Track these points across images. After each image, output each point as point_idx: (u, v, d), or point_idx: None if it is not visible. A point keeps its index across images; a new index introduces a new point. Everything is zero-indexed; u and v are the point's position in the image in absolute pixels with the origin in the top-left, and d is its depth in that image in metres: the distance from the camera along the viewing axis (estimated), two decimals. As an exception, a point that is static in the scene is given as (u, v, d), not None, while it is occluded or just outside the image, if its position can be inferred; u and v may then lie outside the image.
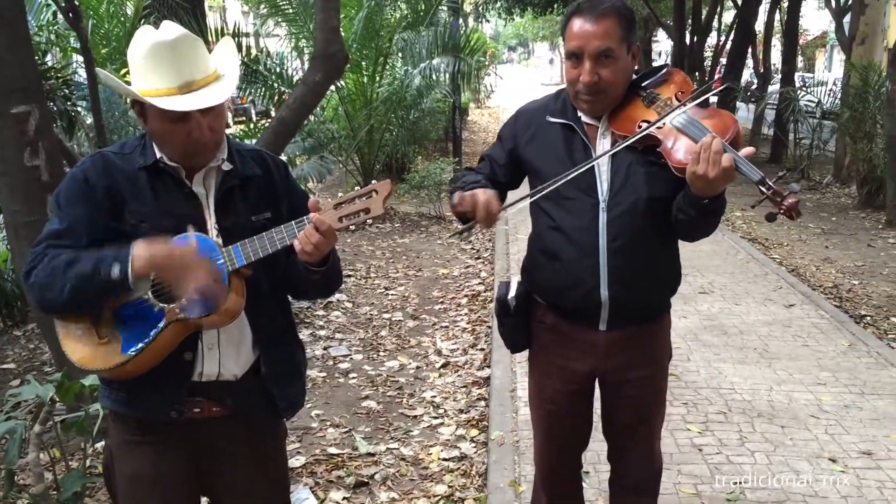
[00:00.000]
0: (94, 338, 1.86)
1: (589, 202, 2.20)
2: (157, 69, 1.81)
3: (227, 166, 1.96)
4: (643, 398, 2.41)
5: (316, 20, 5.32)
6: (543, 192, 2.19)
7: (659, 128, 2.09)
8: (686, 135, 2.05)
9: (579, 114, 2.25)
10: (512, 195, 2.38)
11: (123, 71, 6.40)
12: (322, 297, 2.46)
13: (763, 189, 1.93)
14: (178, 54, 1.81)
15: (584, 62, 2.11)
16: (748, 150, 1.98)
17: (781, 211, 1.92)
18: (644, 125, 2.12)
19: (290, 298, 2.17)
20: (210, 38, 8.14)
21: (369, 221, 2.19)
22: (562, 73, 46.53)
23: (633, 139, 2.11)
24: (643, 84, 2.24)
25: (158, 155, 1.91)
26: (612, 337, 2.31)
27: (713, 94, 2.17)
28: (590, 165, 2.15)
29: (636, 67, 2.29)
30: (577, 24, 2.12)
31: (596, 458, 3.42)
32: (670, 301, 2.44)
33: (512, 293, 2.42)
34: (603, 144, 2.22)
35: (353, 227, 1.91)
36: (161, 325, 1.82)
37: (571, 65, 2.17)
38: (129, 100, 2.10)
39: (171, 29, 1.84)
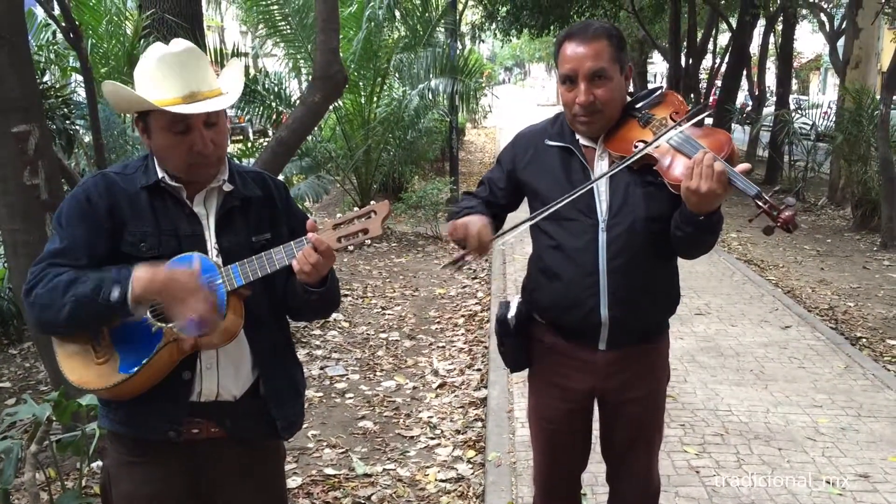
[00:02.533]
0: (92, 357, 1.86)
1: (588, 223, 2.22)
2: (163, 80, 1.85)
3: (227, 187, 1.97)
4: (642, 418, 2.42)
5: (317, 41, 5.35)
6: (536, 219, 2.22)
7: (655, 147, 2.12)
8: (682, 153, 2.09)
9: (577, 136, 2.28)
10: (511, 218, 2.40)
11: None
12: (320, 318, 2.46)
13: (759, 203, 1.96)
14: (184, 66, 1.85)
15: (579, 84, 2.16)
16: (744, 166, 2.00)
17: (778, 224, 1.95)
18: (640, 145, 2.15)
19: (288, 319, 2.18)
20: (210, 59, 8.18)
21: (367, 242, 2.20)
22: (557, 93, 46.91)
23: (631, 160, 2.14)
24: (637, 105, 2.28)
25: (160, 175, 1.92)
26: (612, 356, 2.32)
27: (707, 116, 2.20)
28: (588, 188, 2.18)
29: (630, 89, 2.32)
30: (570, 48, 2.17)
31: (593, 480, 3.42)
32: (668, 322, 2.46)
33: (512, 312, 2.44)
34: (601, 166, 2.24)
35: (351, 248, 1.92)
36: (159, 344, 1.82)
37: (566, 88, 2.21)
38: (132, 119, 2.12)
39: (179, 43, 1.88)
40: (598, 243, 2.22)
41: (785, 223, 1.93)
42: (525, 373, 2.57)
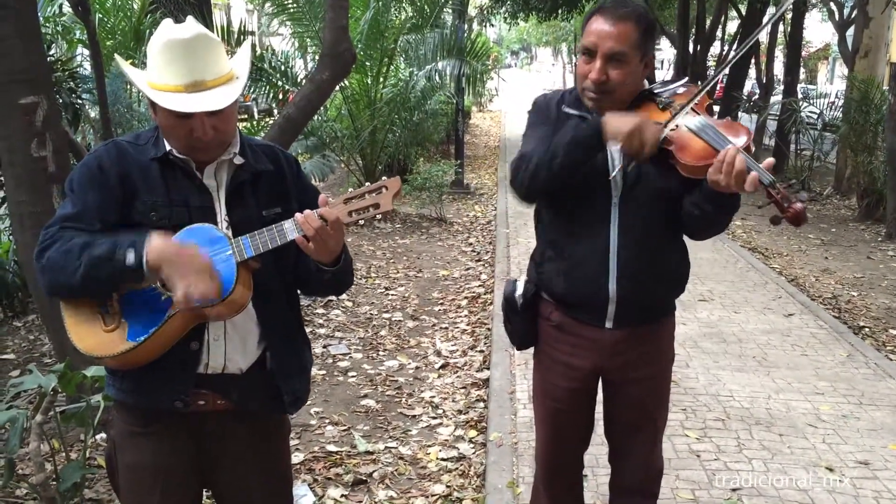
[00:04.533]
0: (101, 325, 1.86)
1: (603, 197, 2.22)
2: (168, 65, 1.83)
3: (238, 160, 1.97)
4: (646, 398, 2.43)
5: (326, 18, 5.33)
6: (703, 91, 2.19)
7: (672, 130, 2.11)
8: (701, 138, 2.08)
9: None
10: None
11: (129, 62, 6.40)
12: (333, 295, 2.46)
13: (772, 192, 1.97)
14: (190, 53, 1.82)
15: (596, 60, 2.14)
16: (769, 161, 2.01)
17: (787, 216, 1.97)
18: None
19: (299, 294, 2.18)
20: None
21: (378, 217, 2.22)
22: (563, 77, 46.63)
23: (673, 120, 2.12)
24: (658, 91, 2.27)
25: (168, 147, 1.92)
26: (618, 335, 2.33)
27: (713, 103, 2.21)
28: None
29: (646, 78, 2.31)
30: (597, 22, 2.15)
31: (594, 462, 3.43)
32: (675, 304, 2.46)
33: (519, 291, 2.44)
34: (611, 142, 2.23)
35: (361, 223, 1.92)
36: (168, 313, 1.83)
37: (584, 60, 2.19)
38: (140, 94, 2.12)
39: (189, 27, 1.85)
40: (610, 218, 2.23)
41: (794, 215, 1.95)
42: (527, 354, 2.57)
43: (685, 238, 2.39)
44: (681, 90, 2.26)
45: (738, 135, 2.08)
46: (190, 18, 1.90)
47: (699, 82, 2.39)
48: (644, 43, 2.16)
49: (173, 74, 1.82)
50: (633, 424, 2.47)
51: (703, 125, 2.10)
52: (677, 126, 2.12)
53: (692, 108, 2.18)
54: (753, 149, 2.14)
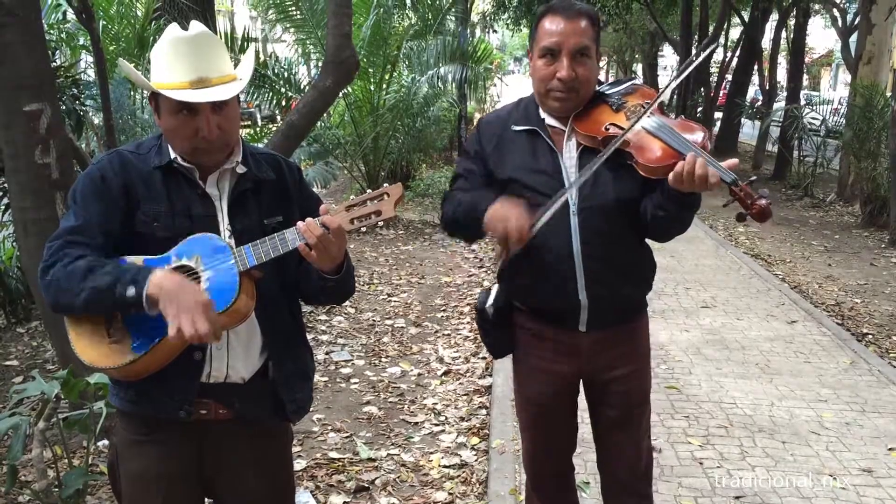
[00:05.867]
0: (105, 336, 1.86)
1: (561, 208, 2.21)
2: (173, 63, 1.84)
3: (241, 169, 1.97)
4: (628, 396, 2.44)
5: (328, 26, 5.34)
6: (569, 190, 2.20)
7: (629, 129, 2.14)
8: (659, 138, 2.11)
9: (542, 116, 2.30)
10: None
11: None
12: (335, 304, 2.47)
13: (735, 189, 2.00)
14: (194, 51, 1.84)
15: (562, 59, 2.17)
16: (732, 161, 2.05)
17: (752, 212, 2.00)
18: (612, 128, 2.17)
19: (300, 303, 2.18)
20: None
21: (380, 223, 2.22)
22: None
23: (618, 142, 2.13)
24: (608, 92, 2.30)
25: (173, 155, 1.93)
26: (594, 338, 2.34)
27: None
28: (592, 171, 2.17)
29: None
30: (555, 22, 2.19)
31: (596, 470, 3.41)
32: (647, 300, 2.48)
33: (490, 301, 2.45)
34: (569, 146, 2.26)
35: (363, 230, 1.91)
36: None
37: (546, 62, 2.21)
38: (145, 97, 2.13)
39: (194, 27, 1.87)
40: (570, 227, 2.23)
41: (759, 211, 1.98)
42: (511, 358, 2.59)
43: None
44: (630, 91, 2.29)
45: (694, 133, 2.11)
46: (194, 22, 1.91)
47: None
48: (597, 38, 2.22)
49: (178, 71, 1.83)
50: (618, 422, 2.47)
51: (659, 125, 2.13)
52: (636, 125, 2.14)
53: (643, 107, 2.20)
54: (710, 146, 2.16)
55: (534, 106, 2.34)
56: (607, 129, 2.17)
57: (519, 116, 2.35)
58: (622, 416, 2.46)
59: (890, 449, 3.97)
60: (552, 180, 2.22)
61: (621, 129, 2.15)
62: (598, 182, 2.22)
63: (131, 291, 1.76)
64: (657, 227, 2.24)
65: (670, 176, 2.01)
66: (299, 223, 1.85)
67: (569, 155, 2.25)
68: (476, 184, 2.40)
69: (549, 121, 2.29)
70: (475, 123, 2.49)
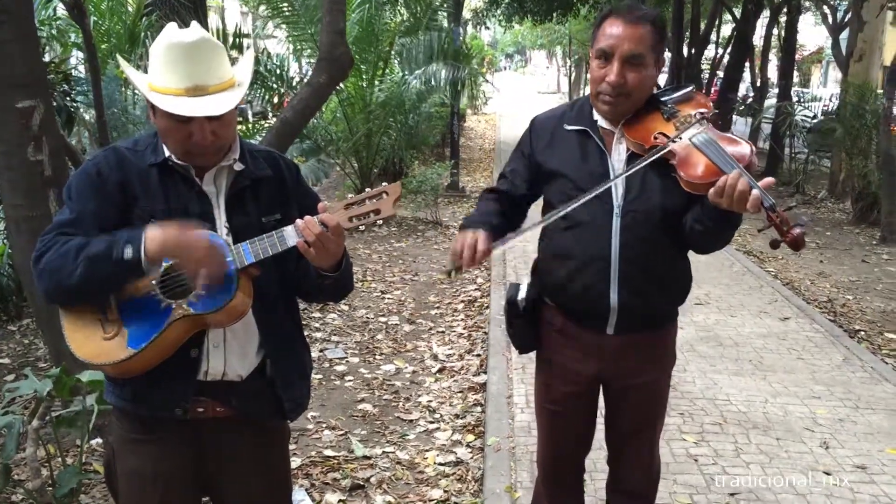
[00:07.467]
0: (100, 332, 1.85)
1: (603, 207, 2.21)
2: (170, 68, 1.82)
3: (238, 166, 1.96)
4: (646, 403, 2.43)
5: (322, 22, 5.32)
6: (544, 222, 2.23)
7: (674, 142, 2.10)
8: (704, 154, 2.05)
9: (595, 117, 2.27)
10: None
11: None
12: (333, 301, 2.45)
13: (772, 215, 1.94)
14: (192, 57, 1.81)
15: (613, 63, 2.13)
16: (768, 180, 1.98)
17: (786, 240, 1.95)
18: (661, 137, 2.13)
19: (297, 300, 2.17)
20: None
21: (379, 222, 2.21)
22: (558, 80, 46.69)
23: (658, 154, 2.10)
24: (664, 99, 2.26)
25: (168, 154, 1.91)
26: (619, 341, 2.32)
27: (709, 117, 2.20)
28: (606, 186, 2.16)
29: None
30: (613, 25, 2.15)
31: (592, 466, 3.42)
32: (678, 310, 2.46)
33: (522, 294, 2.44)
34: (619, 150, 2.23)
35: (362, 228, 1.91)
36: (168, 320, 1.82)
37: (599, 65, 2.18)
38: (137, 96, 2.11)
39: (193, 31, 1.84)
40: (611, 228, 2.21)
41: (794, 240, 1.93)
42: (524, 358, 2.59)
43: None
44: (685, 100, 2.25)
45: (741, 149, 2.06)
46: (194, 23, 1.89)
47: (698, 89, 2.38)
48: (658, 46, 2.17)
49: (175, 77, 1.81)
50: (633, 428, 2.48)
51: (707, 141, 2.07)
52: (681, 138, 2.11)
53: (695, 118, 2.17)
54: (757, 163, 2.12)
55: (588, 106, 2.31)
56: (656, 139, 2.14)
57: (572, 116, 2.33)
58: (639, 423, 2.47)
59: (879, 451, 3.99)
60: (598, 180, 2.19)
61: (669, 139, 2.12)
62: (646, 187, 2.19)
63: (128, 252, 1.75)
64: (696, 239, 2.21)
65: (710, 192, 1.97)
66: (298, 221, 1.84)
67: (618, 157, 2.22)
68: (512, 185, 2.42)
69: (602, 122, 2.27)
70: (529, 123, 2.47)
